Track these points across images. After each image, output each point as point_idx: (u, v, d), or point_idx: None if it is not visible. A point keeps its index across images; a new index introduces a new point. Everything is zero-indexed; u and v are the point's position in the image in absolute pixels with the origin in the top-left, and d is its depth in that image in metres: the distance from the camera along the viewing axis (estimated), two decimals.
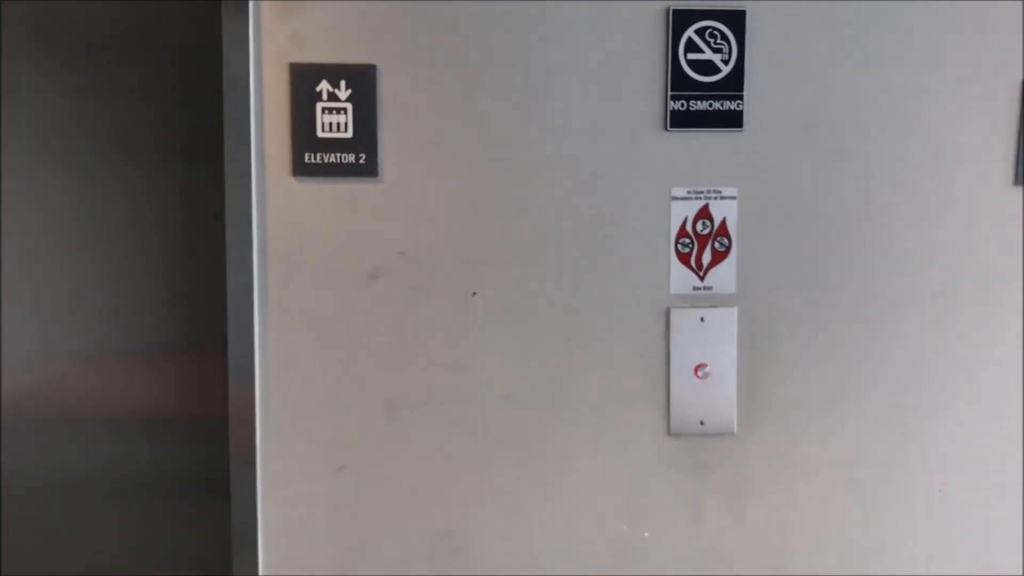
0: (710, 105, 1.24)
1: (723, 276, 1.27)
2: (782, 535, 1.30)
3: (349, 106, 1.22)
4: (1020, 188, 1.28)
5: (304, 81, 1.22)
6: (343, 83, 1.22)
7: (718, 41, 1.23)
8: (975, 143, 1.27)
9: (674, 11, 1.22)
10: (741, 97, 1.24)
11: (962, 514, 1.31)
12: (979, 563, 1.31)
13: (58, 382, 1.33)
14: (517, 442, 1.27)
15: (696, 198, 1.26)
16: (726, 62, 1.23)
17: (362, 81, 1.22)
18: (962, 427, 1.30)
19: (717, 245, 1.26)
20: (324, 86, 1.22)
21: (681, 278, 1.26)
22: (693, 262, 1.26)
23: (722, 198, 1.26)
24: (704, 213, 1.26)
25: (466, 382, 1.26)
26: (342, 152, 1.22)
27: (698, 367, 1.26)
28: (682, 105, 1.24)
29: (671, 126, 1.24)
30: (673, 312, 1.26)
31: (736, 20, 1.23)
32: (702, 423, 1.27)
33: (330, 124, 1.22)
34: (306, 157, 1.22)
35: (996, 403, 1.30)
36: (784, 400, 1.28)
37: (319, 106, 1.22)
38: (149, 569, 1.35)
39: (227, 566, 1.29)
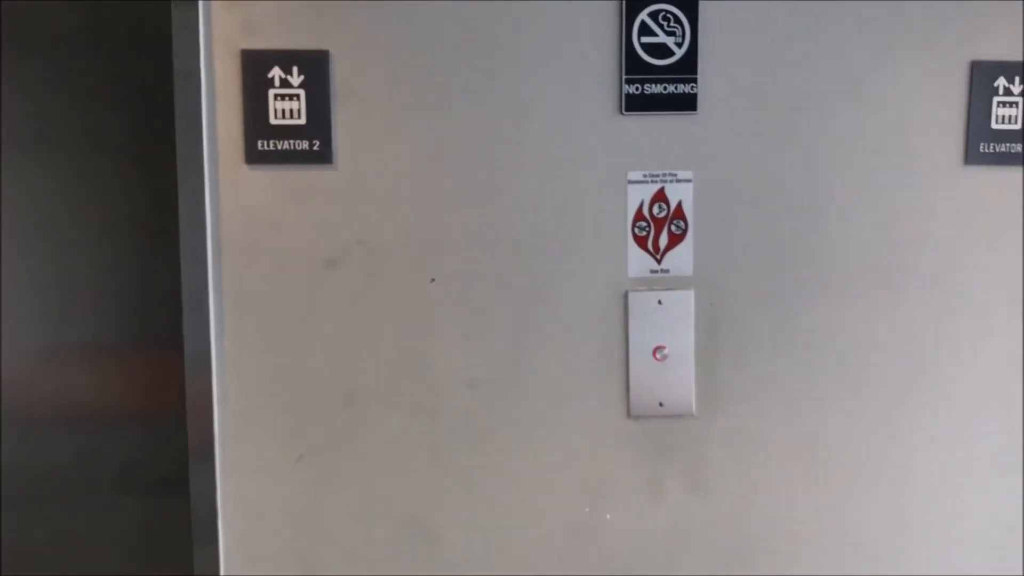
0: (664, 88, 1.24)
1: (680, 259, 1.27)
2: (742, 514, 1.31)
3: (302, 92, 1.21)
4: (970, 167, 1.30)
5: (256, 68, 1.20)
6: (295, 69, 1.20)
7: (671, 24, 1.24)
8: (926, 123, 1.29)
9: None
10: (695, 80, 1.24)
11: (921, 491, 1.33)
12: (939, 540, 1.34)
13: (14, 378, 1.30)
14: (478, 427, 1.27)
15: (652, 181, 1.26)
16: (679, 45, 1.24)
17: (315, 67, 1.21)
18: (919, 403, 1.32)
19: (674, 228, 1.27)
20: (276, 72, 1.20)
21: (639, 261, 1.27)
22: (650, 245, 1.27)
23: (678, 181, 1.26)
24: (660, 196, 1.26)
25: (425, 368, 1.26)
26: (296, 139, 1.21)
27: (656, 349, 1.27)
28: (637, 88, 1.24)
29: (626, 109, 1.24)
30: (631, 295, 1.26)
31: (689, 3, 1.23)
32: (661, 405, 1.28)
33: (283, 111, 1.21)
34: (259, 144, 1.21)
35: (952, 378, 1.32)
36: (742, 380, 1.29)
37: (271, 93, 1.21)
38: (109, 564, 1.33)
39: (188, 559, 1.28)
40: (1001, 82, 1.29)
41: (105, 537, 1.33)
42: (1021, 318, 1.32)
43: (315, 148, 1.21)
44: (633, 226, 1.26)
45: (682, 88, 1.24)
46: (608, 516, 1.29)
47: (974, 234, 1.30)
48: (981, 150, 1.29)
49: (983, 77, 1.29)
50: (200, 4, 1.20)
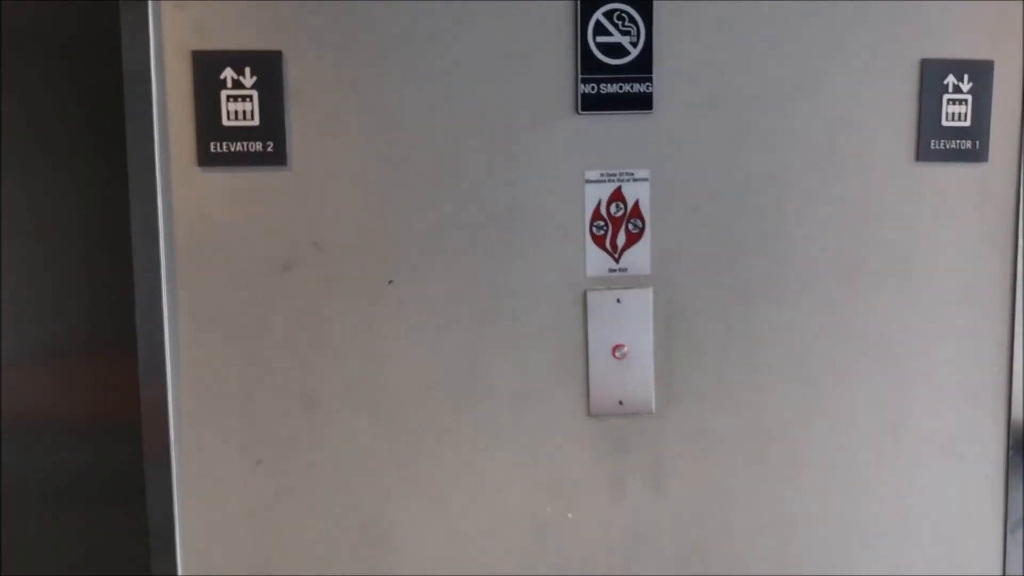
0: (620, 88, 1.25)
1: (638, 257, 1.28)
2: (700, 510, 1.32)
3: (255, 93, 1.19)
4: (921, 164, 1.32)
5: (207, 69, 1.19)
6: (248, 70, 1.19)
7: (626, 23, 1.24)
8: (877, 120, 1.30)
9: None
10: (650, 79, 1.25)
11: (878, 486, 1.35)
12: (892, 532, 1.35)
13: None
14: (437, 429, 1.26)
15: (609, 181, 1.26)
16: (635, 44, 1.24)
17: (267, 68, 1.19)
18: (873, 399, 1.33)
19: (631, 227, 1.27)
20: (228, 73, 1.19)
21: (597, 261, 1.27)
22: (608, 244, 1.27)
23: (634, 180, 1.27)
24: (617, 195, 1.27)
25: (383, 371, 1.25)
26: (249, 140, 1.20)
27: (616, 348, 1.27)
28: (593, 88, 1.24)
29: (582, 109, 1.24)
30: (590, 294, 1.27)
31: (644, 2, 1.24)
32: (621, 403, 1.28)
33: (235, 112, 1.19)
34: (211, 147, 1.19)
35: (903, 373, 1.34)
36: (700, 377, 1.30)
37: (223, 94, 1.19)
38: (63, 572, 1.31)
39: (145, 569, 1.25)
40: (951, 80, 1.31)
41: (61, 550, 1.31)
42: (971, 313, 1.34)
43: (269, 149, 1.20)
44: (591, 225, 1.27)
45: (638, 87, 1.25)
46: (569, 515, 1.29)
47: (926, 230, 1.32)
48: (932, 147, 1.31)
49: (933, 75, 1.31)
50: (150, 4, 1.18)
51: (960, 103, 1.32)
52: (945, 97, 1.31)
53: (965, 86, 1.31)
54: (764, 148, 1.28)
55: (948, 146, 1.32)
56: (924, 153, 1.31)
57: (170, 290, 1.21)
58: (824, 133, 1.29)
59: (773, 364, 1.31)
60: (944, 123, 1.31)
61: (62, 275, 1.28)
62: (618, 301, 1.27)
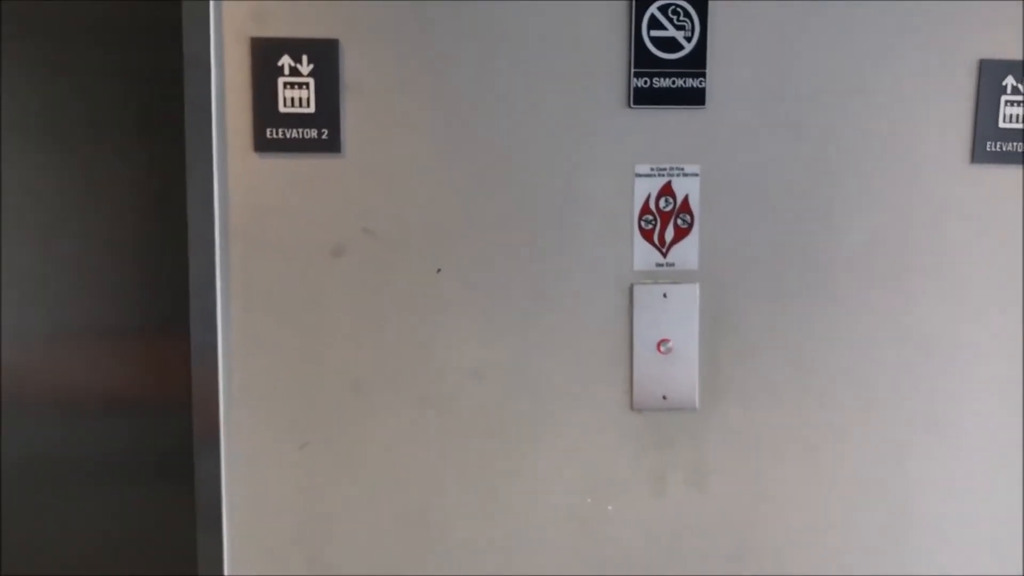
0: (673, 82, 1.24)
1: (685, 252, 1.28)
2: (743, 508, 1.31)
3: (311, 81, 1.21)
4: (976, 166, 1.30)
5: (265, 56, 1.21)
6: (305, 58, 1.21)
7: (681, 18, 1.24)
8: (933, 121, 1.29)
9: None
10: (704, 74, 1.25)
11: (921, 488, 1.33)
12: (938, 534, 1.34)
13: (20, 364, 1.31)
14: (482, 418, 1.28)
15: (659, 175, 1.26)
16: (689, 39, 1.24)
17: (324, 56, 1.21)
18: (920, 400, 1.32)
19: (680, 222, 1.27)
20: (286, 61, 1.21)
21: (644, 255, 1.27)
22: (656, 239, 1.27)
23: (685, 175, 1.27)
24: (667, 190, 1.27)
25: (431, 359, 1.26)
26: (304, 127, 1.22)
27: (661, 343, 1.27)
28: (645, 82, 1.24)
29: (634, 103, 1.24)
30: (636, 288, 1.27)
31: None
32: (664, 398, 1.28)
33: (292, 99, 1.21)
34: (268, 132, 1.21)
35: (954, 377, 1.32)
36: (745, 375, 1.29)
37: (281, 81, 1.21)
38: (113, 552, 1.34)
39: (192, 546, 1.28)
40: (1009, 81, 1.29)
41: (109, 525, 1.34)
42: (1019, 314, 1.33)
43: (324, 136, 1.22)
44: (639, 219, 1.27)
45: (691, 82, 1.25)
46: (609, 508, 1.30)
47: (979, 232, 1.31)
48: (988, 149, 1.30)
49: (991, 76, 1.29)
50: None
51: (1018, 104, 1.29)
52: (1003, 99, 1.29)
53: None
54: (816, 147, 1.27)
55: (1005, 148, 1.30)
56: (980, 155, 1.30)
57: (223, 273, 1.24)
58: (877, 133, 1.28)
59: (820, 362, 1.30)
60: (1001, 125, 1.29)
61: (120, 258, 1.30)
62: (664, 296, 1.27)
